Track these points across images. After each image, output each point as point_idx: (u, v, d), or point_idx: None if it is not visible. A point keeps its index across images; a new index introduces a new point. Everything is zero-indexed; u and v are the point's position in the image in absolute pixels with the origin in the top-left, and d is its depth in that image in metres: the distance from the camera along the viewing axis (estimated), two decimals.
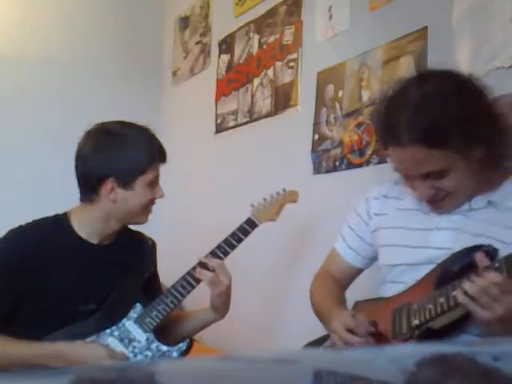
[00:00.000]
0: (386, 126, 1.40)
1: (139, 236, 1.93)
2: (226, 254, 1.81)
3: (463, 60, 1.83)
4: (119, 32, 3.57)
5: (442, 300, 1.29)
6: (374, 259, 1.63)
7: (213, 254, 1.80)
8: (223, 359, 0.76)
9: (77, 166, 1.73)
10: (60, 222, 1.74)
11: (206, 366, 0.63)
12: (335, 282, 1.66)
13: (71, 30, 3.43)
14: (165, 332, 1.90)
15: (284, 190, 1.98)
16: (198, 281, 1.78)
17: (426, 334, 1.32)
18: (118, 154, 1.68)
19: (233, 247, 1.81)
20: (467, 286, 1.22)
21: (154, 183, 1.73)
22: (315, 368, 0.65)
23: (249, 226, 1.86)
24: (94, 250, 1.75)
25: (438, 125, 1.30)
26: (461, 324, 1.31)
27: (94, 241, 1.75)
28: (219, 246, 1.81)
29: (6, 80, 3.26)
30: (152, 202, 1.77)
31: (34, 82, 3.30)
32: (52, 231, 1.72)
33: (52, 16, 3.39)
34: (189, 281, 1.78)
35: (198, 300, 1.86)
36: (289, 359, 0.67)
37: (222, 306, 1.81)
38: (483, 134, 1.34)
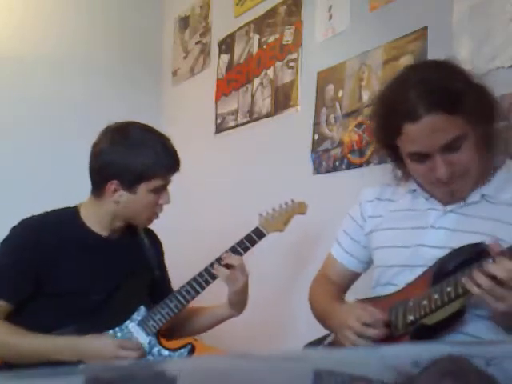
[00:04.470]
0: (396, 107, 1.36)
1: (151, 235, 1.97)
2: None
3: (463, 60, 1.82)
4: (119, 32, 3.56)
5: (436, 296, 1.29)
6: (370, 263, 1.63)
7: (218, 261, 1.81)
8: (229, 357, 0.76)
9: (90, 160, 1.77)
10: (70, 215, 1.80)
11: (213, 364, 0.63)
12: (334, 285, 1.66)
13: (70, 30, 3.42)
14: (181, 325, 1.95)
15: (292, 200, 1.98)
16: (207, 283, 1.79)
17: (421, 330, 1.33)
18: (128, 158, 1.71)
19: (239, 255, 1.82)
20: (479, 275, 1.19)
21: (159, 190, 1.75)
22: (323, 368, 0.65)
23: (256, 235, 1.87)
24: (102, 241, 1.79)
25: (451, 88, 1.31)
26: (455, 320, 1.32)
27: (102, 233, 1.80)
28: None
29: (7, 79, 3.27)
30: (157, 206, 1.79)
31: (34, 81, 3.30)
32: (62, 222, 1.77)
33: (49, 16, 3.39)
34: (194, 286, 1.79)
35: (212, 297, 1.87)
36: (297, 358, 0.67)
37: (238, 302, 1.86)
38: (485, 109, 1.35)
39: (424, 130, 1.32)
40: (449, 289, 1.26)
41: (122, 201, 1.74)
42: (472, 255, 1.26)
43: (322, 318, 1.59)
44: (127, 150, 1.71)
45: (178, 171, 1.79)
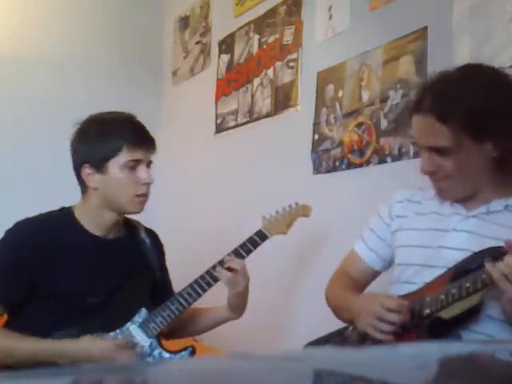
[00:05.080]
0: (417, 94, 1.46)
1: (153, 235, 1.95)
2: None
3: (463, 60, 1.83)
4: (119, 32, 3.56)
5: (454, 291, 1.31)
6: (391, 262, 1.65)
7: (221, 264, 1.80)
8: (229, 358, 0.76)
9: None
10: (65, 215, 1.79)
11: (213, 364, 0.63)
12: (352, 281, 1.67)
13: (70, 30, 3.42)
14: (181, 326, 1.94)
15: (296, 203, 1.97)
16: (209, 285, 1.79)
17: (436, 324, 1.34)
18: (92, 139, 1.73)
19: (242, 258, 1.81)
20: (501, 264, 1.22)
21: (132, 167, 1.72)
22: (323, 368, 0.65)
23: (259, 238, 1.86)
24: (100, 242, 1.77)
25: (456, 100, 1.35)
26: (471, 316, 1.32)
27: (98, 233, 1.78)
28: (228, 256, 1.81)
29: (7, 79, 3.27)
30: (137, 185, 1.73)
31: (34, 81, 3.30)
32: (58, 223, 1.76)
33: (49, 16, 3.40)
34: (195, 288, 1.78)
35: (212, 298, 1.87)
36: (297, 358, 0.67)
37: (238, 306, 1.85)
38: (502, 130, 1.35)
39: (419, 126, 1.42)
40: (467, 284, 1.28)
41: (99, 186, 1.72)
42: (491, 258, 1.27)
43: (338, 311, 1.61)
44: (91, 134, 1.74)
45: (149, 147, 1.75)
